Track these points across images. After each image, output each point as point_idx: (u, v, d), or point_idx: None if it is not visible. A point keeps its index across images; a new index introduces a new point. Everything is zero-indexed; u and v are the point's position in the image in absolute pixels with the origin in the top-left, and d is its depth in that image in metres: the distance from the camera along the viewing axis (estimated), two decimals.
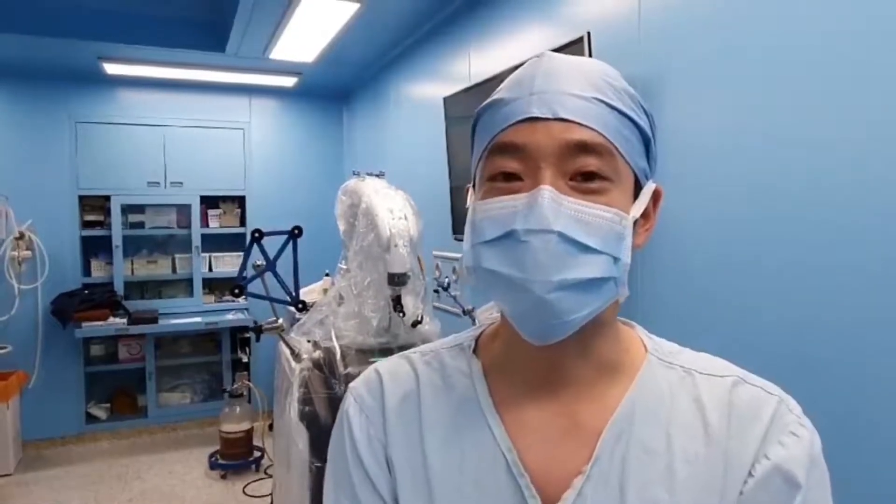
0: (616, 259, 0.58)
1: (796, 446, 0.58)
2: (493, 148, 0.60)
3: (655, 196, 0.64)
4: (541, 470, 0.60)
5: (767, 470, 0.57)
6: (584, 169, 0.57)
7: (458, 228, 2.93)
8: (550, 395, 0.63)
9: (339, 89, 4.97)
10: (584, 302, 0.57)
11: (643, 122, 0.61)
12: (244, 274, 2.82)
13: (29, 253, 4.24)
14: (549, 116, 0.57)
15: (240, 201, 4.95)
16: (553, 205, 0.55)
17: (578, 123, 0.57)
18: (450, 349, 0.71)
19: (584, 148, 0.57)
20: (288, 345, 2.39)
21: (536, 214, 0.55)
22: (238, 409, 4.09)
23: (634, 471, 0.58)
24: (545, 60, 0.61)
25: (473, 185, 0.66)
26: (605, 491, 0.58)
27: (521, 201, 0.57)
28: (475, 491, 0.61)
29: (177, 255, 4.82)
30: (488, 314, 0.70)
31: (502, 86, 0.63)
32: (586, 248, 0.56)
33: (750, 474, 0.57)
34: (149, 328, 4.50)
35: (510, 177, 0.59)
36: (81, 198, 4.52)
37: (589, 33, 1.92)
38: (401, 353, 0.73)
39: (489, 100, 0.63)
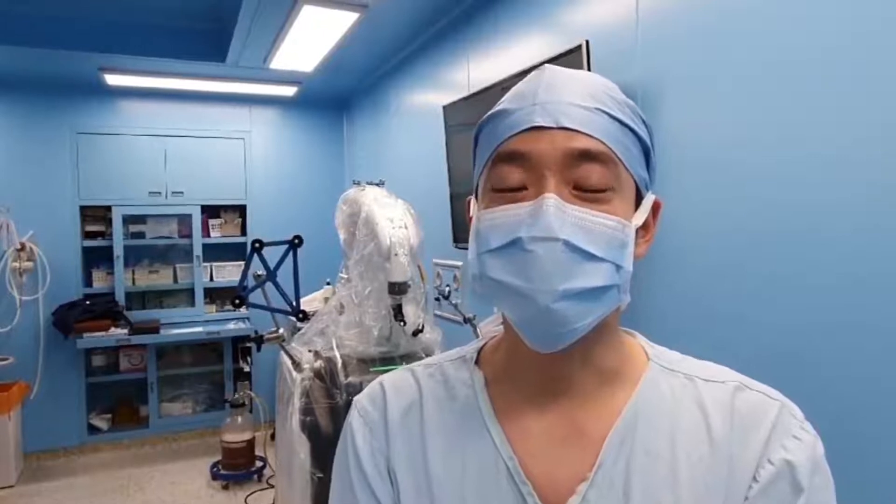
0: (619, 267, 0.58)
1: (799, 450, 0.58)
2: (497, 157, 0.61)
3: (655, 208, 0.65)
4: (544, 477, 0.61)
5: (771, 475, 0.57)
6: (587, 177, 0.58)
7: (458, 236, 2.93)
8: (552, 403, 0.63)
9: (338, 98, 5.00)
10: (588, 310, 0.57)
11: (643, 133, 0.62)
12: (245, 284, 2.83)
13: (30, 264, 4.25)
14: (553, 125, 0.58)
15: (241, 210, 4.96)
16: (558, 213, 0.56)
17: (581, 132, 0.58)
18: (453, 361, 0.72)
19: (587, 156, 0.58)
20: (289, 354, 2.39)
21: (541, 222, 0.56)
22: (240, 418, 4.08)
23: (638, 476, 0.58)
24: (547, 73, 0.62)
25: (476, 196, 0.66)
26: (610, 496, 0.58)
27: (526, 209, 0.57)
28: (477, 500, 0.61)
29: (178, 265, 4.82)
30: (491, 327, 0.70)
31: (504, 98, 0.64)
32: (590, 256, 0.56)
33: (754, 479, 0.57)
34: (150, 338, 4.50)
35: (514, 185, 0.59)
36: (82, 208, 4.53)
37: (587, 41, 1.93)
38: (405, 367, 0.74)
39: (492, 111, 0.64)
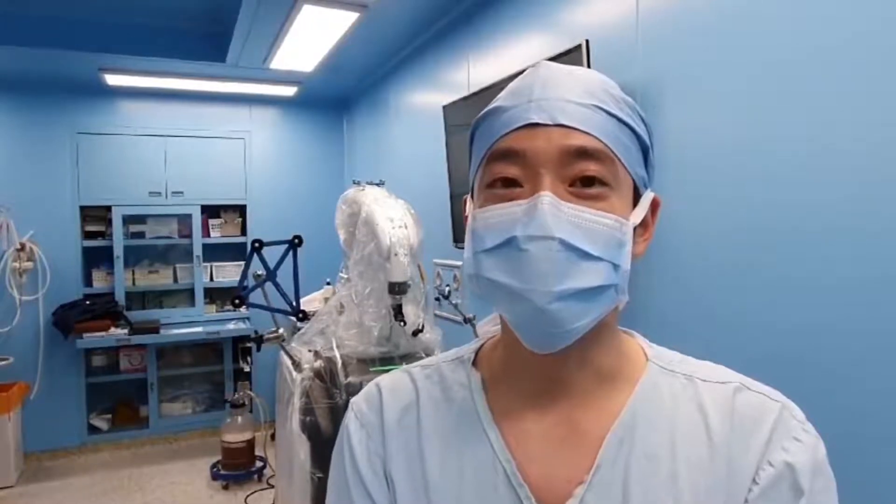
0: (616, 266, 0.57)
1: (800, 452, 0.57)
2: (492, 155, 0.60)
3: (654, 206, 0.64)
4: (541, 479, 0.60)
5: (772, 477, 0.56)
6: (584, 174, 0.57)
7: (458, 236, 2.93)
8: (550, 404, 0.63)
9: (339, 98, 4.99)
10: (585, 311, 0.56)
11: (641, 131, 0.61)
12: (245, 284, 2.83)
13: (30, 264, 4.25)
14: (549, 122, 0.57)
15: (241, 210, 4.95)
16: (553, 210, 0.55)
17: (578, 129, 0.57)
18: (450, 362, 0.71)
19: (583, 153, 0.57)
20: (289, 354, 2.39)
21: (537, 221, 0.55)
22: (240, 419, 4.08)
23: (637, 478, 0.58)
24: (543, 69, 0.62)
25: (472, 195, 0.65)
26: (608, 499, 0.58)
27: (521, 208, 0.56)
28: (475, 502, 0.60)
29: (178, 265, 4.82)
30: (488, 327, 0.69)
31: (500, 95, 0.63)
32: (587, 255, 0.55)
33: (754, 481, 0.57)
34: (150, 338, 4.50)
35: (509, 183, 0.58)
36: (83, 208, 4.52)
37: (587, 41, 1.92)
38: (402, 368, 0.73)
39: (487, 108, 0.63)
